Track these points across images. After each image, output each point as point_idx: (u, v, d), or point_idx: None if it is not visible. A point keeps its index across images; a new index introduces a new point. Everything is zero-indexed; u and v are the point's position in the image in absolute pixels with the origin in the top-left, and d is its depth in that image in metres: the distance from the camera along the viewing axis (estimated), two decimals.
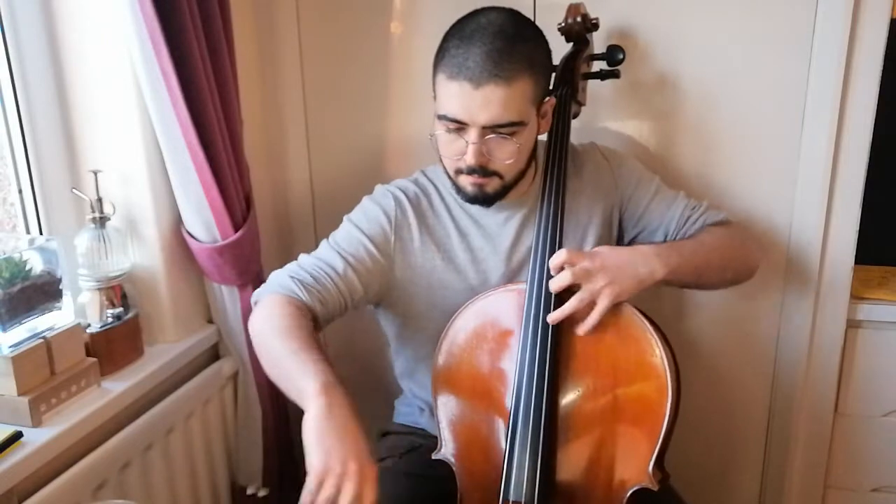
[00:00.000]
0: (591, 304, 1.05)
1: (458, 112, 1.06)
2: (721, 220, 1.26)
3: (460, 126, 1.08)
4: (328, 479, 0.87)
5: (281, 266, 1.61)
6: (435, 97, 1.13)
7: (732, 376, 1.53)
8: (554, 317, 1.05)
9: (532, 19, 1.12)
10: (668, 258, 1.10)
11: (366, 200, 1.24)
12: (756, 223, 1.43)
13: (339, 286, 1.13)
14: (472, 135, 1.07)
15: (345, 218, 1.23)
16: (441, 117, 1.09)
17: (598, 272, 1.04)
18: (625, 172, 1.27)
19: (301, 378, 0.96)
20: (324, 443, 0.89)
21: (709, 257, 1.18)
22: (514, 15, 1.09)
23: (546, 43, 1.12)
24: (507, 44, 1.04)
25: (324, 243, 1.20)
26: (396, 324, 1.29)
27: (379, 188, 1.26)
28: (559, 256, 1.06)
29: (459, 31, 1.07)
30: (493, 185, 1.13)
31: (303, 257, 1.19)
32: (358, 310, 1.21)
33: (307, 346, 1.00)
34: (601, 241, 1.25)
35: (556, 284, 1.06)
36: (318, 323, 1.11)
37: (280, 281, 1.13)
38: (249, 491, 1.56)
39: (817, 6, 1.30)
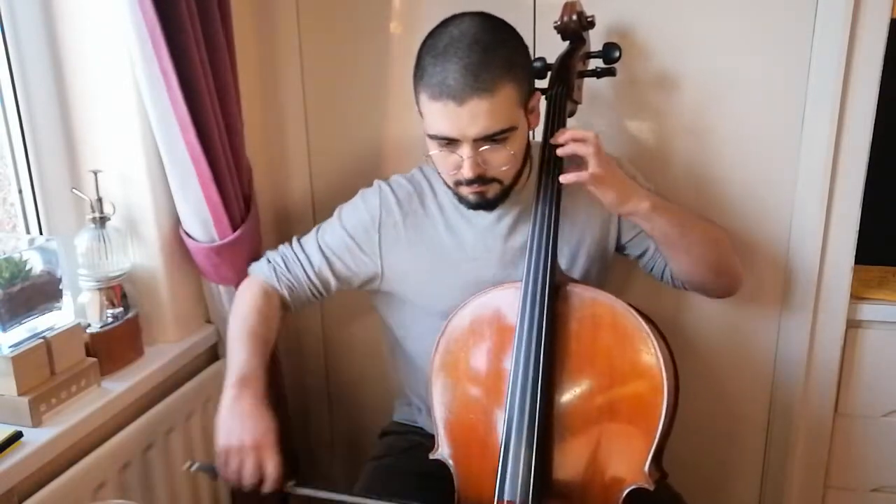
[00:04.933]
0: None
1: (447, 130, 1.06)
2: None
3: (452, 141, 1.08)
4: (231, 455, 1.03)
5: None
6: (421, 115, 1.12)
7: (732, 376, 1.53)
8: (562, 137, 1.09)
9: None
10: (655, 197, 1.13)
11: (357, 196, 1.28)
12: (756, 223, 1.43)
13: (310, 277, 1.26)
14: (465, 149, 1.07)
15: (337, 209, 1.29)
16: (432, 136, 1.09)
17: (608, 161, 1.08)
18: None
19: (229, 366, 1.13)
20: (225, 426, 1.05)
21: (694, 224, 1.20)
22: (485, 20, 1.07)
23: (521, 40, 1.11)
24: (483, 55, 1.02)
25: (313, 232, 1.28)
26: (394, 325, 1.30)
27: (374, 184, 1.28)
28: (588, 134, 1.08)
29: (433, 47, 1.06)
30: (493, 190, 1.13)
31: (291, 244, 1.29)
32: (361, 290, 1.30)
33: (249, 334, 1.16)
34: (599, 244, 1.26)
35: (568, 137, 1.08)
36: (286, 305, 1.26)
37: (263, 263, 1.29)
38: None
39: (817, 6, 1.29)
